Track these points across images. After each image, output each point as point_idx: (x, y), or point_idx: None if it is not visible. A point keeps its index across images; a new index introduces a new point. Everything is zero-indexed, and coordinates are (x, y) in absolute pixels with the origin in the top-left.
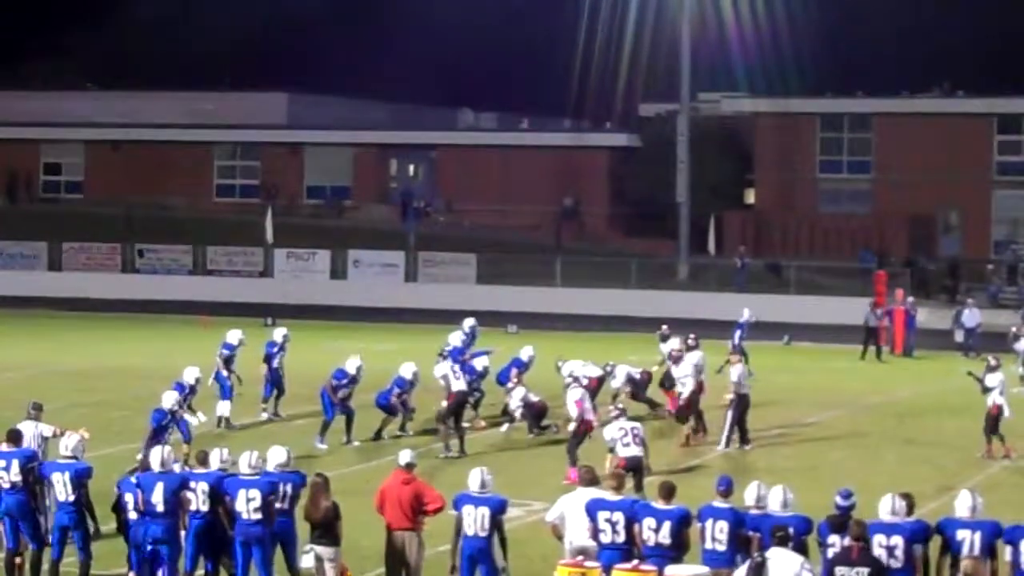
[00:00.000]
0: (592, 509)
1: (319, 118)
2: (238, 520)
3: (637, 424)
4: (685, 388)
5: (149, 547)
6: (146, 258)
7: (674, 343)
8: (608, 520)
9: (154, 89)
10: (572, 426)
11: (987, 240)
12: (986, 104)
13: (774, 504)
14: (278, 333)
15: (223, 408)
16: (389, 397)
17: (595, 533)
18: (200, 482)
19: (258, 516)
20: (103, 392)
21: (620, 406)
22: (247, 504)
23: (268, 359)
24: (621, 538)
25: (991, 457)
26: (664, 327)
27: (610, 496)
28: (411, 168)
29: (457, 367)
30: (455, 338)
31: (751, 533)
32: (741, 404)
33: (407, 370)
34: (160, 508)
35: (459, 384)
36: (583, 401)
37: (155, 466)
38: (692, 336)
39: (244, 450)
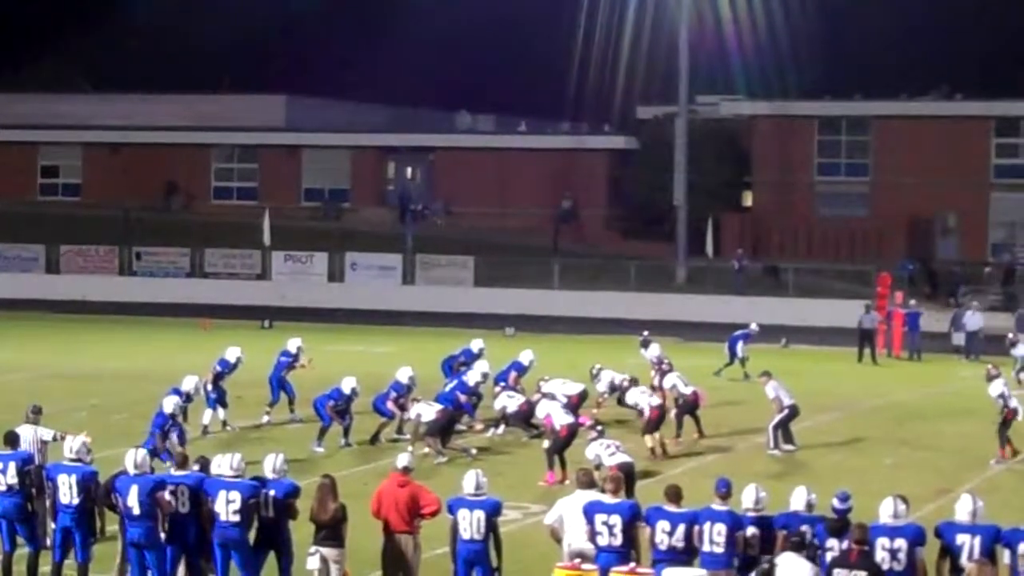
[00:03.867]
0: (590, 511)
1: (317, 120)
2: (216, 522)
3: (616, 441)
4: (653, 401)
5: (132, 551)
6: (144, 260)
7: (655, 350)
8: (605, 523)
9: (152, 91)
10: (546, 444)
11: (984, 243)
12: (984, 107)
13: (798, 504)
14: (292, 344)
15: (207, 417)
16: (386, 401)
17: (592, 535)
18: (180, 484)
19: (236, 519)
20: (101, 395)
21: (599, 428)
22: (226, 506)
23: (279, 367)
24: (618, 541)
25: (1005, 460)
26: (645, 332)
27: (608, 499)
28: (409, 170)
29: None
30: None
31: (779, 531)
32: (791, 414)
33: (404, 374)
34: (136, 511)
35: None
36: (551, 417)
37: (129, 468)
38: (646, 332)
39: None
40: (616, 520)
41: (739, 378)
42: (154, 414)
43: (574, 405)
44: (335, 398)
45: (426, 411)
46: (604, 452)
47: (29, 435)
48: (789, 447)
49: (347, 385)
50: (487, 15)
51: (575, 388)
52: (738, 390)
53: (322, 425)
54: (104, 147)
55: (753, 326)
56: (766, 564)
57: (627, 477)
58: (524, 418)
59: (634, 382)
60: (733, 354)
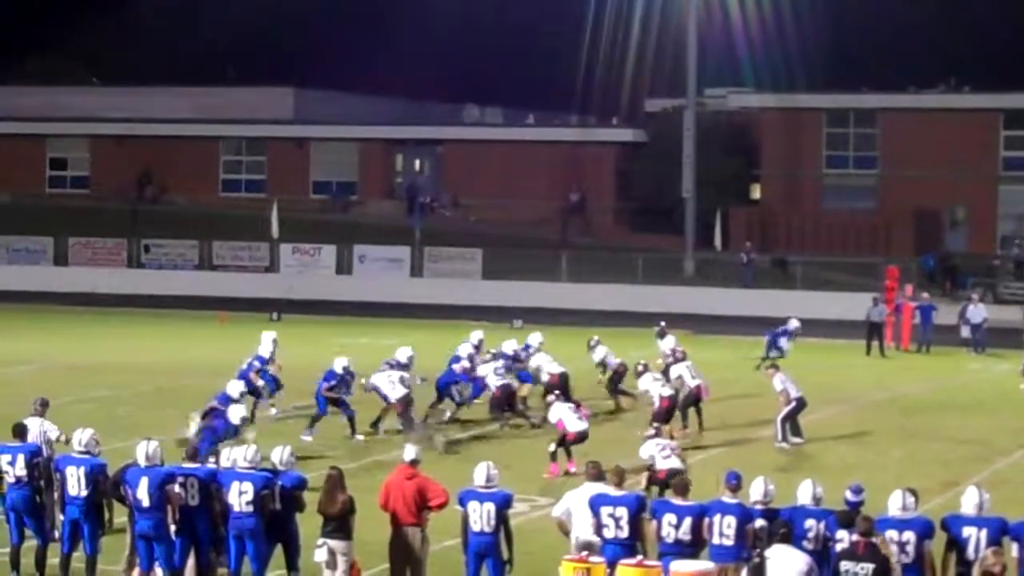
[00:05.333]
0: (595, 504)
1: (325, 113)
2: (230, 513)
3: (673, 442)
4: (664, 391)
5: (141, 542)
6: (152, 253)
7: (670, 341)
8: (611, 515)
9: (159, 84)
10: (551, 447)
11: (993, 235)
12: (992, 99)
13: (805, 498)
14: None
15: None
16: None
17: (598, 528)
18: (190, 477)
19: (250, 509)
20: (109, 387)
21: (655, 424)
22: (239, 497)
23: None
24: (624, 533)
25: None
26: (662, 323)
27: (613, 491)
28: (417, 163)
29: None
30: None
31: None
32: (798, 407)
33: (403, 354)
34: (146, 503)
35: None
36: (563, 422)
37: (140, 460)
38: (662, 323)
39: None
40: (622, 512)
41: (749, 371)
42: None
43: (554, 384)
44: (328, 379)
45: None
46: (658, 453)
47: (35, 428)
48: (797, 440)
49: (339, 365)
50: (495, 8)
51: (556, 368)
52: (746, 383)
53: (316, 412)
54: (112, 140)
55: (793, 322)
56: (756, 558)
57: (681, 486)
58: (498, 404)
59: (646, 367)
60: (772, 348)
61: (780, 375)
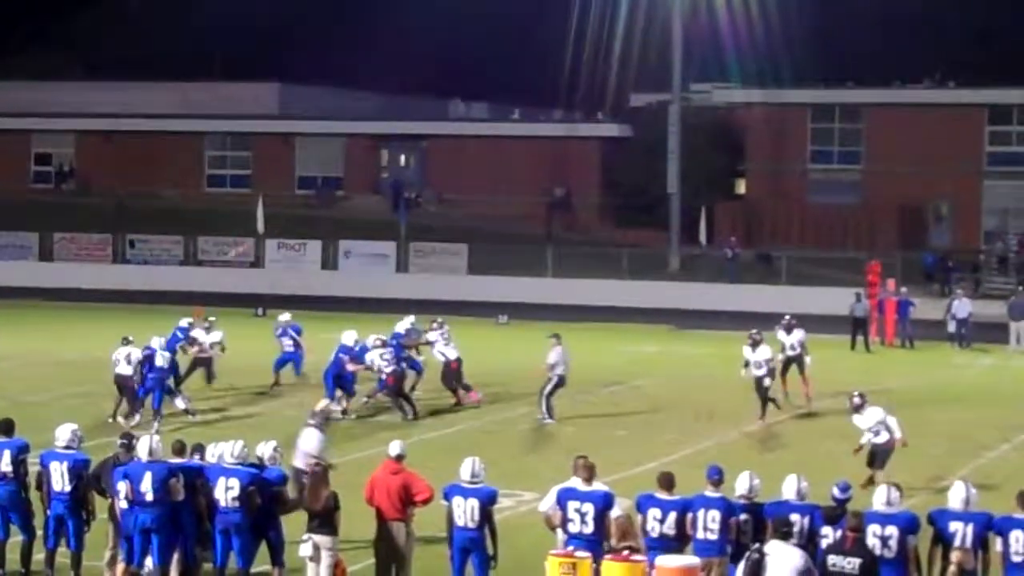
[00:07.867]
0: (563, 498)
1: (310, 108)
2: (217, 508)
3: None
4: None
5: (138, 536)
6: (137, 248)
7: (798, 334)
8: (578, 510)
9: (145, 79)
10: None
11: (977, 231)
12: (977, 95)
13: (789, 493)
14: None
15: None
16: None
17: (563, 522)
18: (178, 471)
19: (236, 504)
20: (94, 383)
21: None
22: (225, 492)
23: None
24: (589, 529)
25: None
26: (787, 317)
27: (582, 486)
28: (402, 158)
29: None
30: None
31: (769, 520)
32: (559, 383)
33: (349, 337)
34: (149, 497)
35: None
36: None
37: (143, 455)
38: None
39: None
40: (588, 508)
41: (733, 367)
42: None
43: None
44: (346, 352)
45: None
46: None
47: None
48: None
49: (349, 338)
50: (480, 3)
51: (453, 353)
52: (730, 379)
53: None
54: (97, 134)
55: None
56: (756, 553)
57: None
58: (394, 390)
59: (863, 399)
60: None
61: (559, 348)
